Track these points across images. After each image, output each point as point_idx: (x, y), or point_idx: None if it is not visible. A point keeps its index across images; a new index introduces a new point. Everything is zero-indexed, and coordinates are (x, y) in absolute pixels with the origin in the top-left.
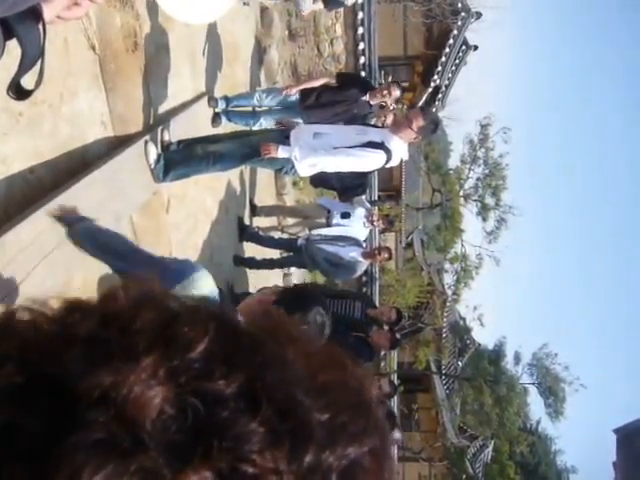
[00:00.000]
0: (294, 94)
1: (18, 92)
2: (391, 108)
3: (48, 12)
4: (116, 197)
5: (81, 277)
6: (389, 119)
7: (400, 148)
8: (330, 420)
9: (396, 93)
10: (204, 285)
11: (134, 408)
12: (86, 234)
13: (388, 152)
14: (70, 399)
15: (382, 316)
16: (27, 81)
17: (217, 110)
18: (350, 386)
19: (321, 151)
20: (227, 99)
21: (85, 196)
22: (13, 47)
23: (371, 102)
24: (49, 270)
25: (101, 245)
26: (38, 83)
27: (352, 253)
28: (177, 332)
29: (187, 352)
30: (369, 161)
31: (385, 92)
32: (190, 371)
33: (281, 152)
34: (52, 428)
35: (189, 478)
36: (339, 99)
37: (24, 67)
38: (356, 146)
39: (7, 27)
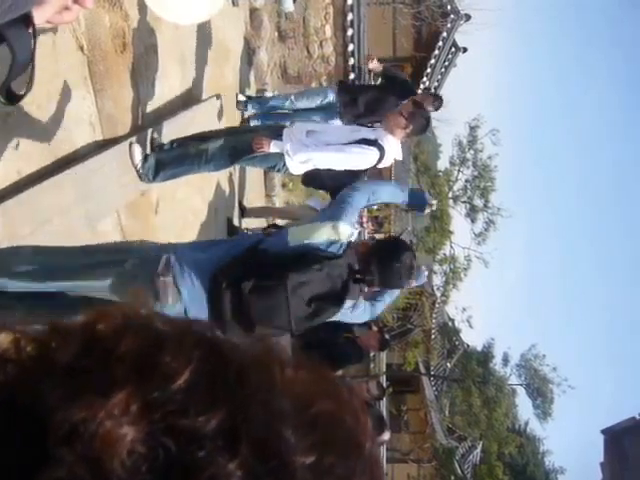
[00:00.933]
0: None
1: (8, 96)
2: None
3: (38, 17)
4: (94, 197)
5: None
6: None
7: (393, 147)
8: (316, 462)
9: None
10: None
11: (101, 447)
12: None
13: (381, 149)
14: (43, 432)
15: None
16: (17, 84)
17: (248, 114)
18: (343, 420)
19: (312, 147)
20: (260, 101)
21: (61, 195)
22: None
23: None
24: None
25: None
26: (29, 88)
27: None
28: (157, 362)
29: (166, 384)
30: (361, 158)
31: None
32: (166, 406)
33: (273, 147)
34: (25, 462)
35: None
36: (378, 98)
37: (14, 72)
38: (349, 143)
39: None
